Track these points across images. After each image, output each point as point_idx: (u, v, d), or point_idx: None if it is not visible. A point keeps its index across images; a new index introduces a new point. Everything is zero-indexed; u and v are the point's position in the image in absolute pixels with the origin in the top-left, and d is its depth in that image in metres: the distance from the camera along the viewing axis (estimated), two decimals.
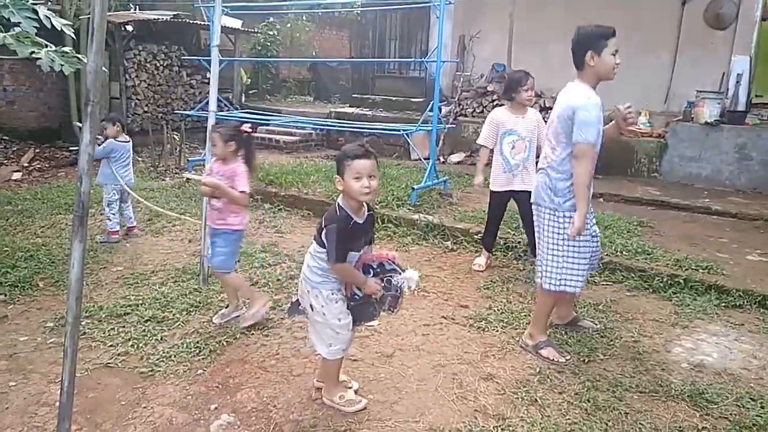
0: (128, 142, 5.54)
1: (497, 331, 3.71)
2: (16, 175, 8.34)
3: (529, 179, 4.47)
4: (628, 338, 3.68)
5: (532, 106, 4.73)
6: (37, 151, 9.68)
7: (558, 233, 3.25)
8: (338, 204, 2.61)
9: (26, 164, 9.02)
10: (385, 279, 2.71)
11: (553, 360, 3.33)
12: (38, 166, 9.07)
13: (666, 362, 3.40)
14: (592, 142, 3.05)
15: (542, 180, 3.32)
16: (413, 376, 3.14)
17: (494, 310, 4.01)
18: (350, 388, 2.95)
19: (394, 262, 2.75)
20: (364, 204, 2.65)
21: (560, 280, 3.27)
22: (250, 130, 3.64)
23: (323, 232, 2.60)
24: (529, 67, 9.32)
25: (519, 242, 5.12)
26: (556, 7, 9.21)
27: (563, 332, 3.69)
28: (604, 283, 4.56)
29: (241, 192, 3.54)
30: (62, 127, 10.80)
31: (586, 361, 3.37)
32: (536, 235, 3.43)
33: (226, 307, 3.84)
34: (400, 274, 2.71)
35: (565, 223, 3.20)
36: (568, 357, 3.36)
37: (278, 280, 4.47)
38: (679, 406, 2.96)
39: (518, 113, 4.61)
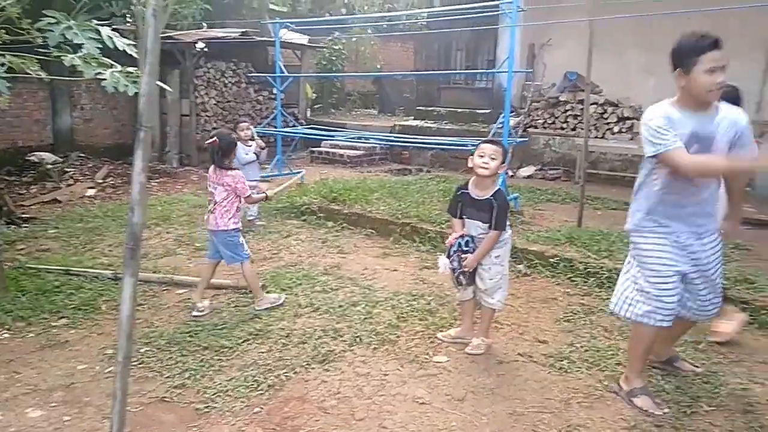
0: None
1: (581, 372, 3.31)
2: (90, 192, 8.59)
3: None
4: (735, 385, 3.20)
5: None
6: (111, 167, 9.97)
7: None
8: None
9: (100, 180, 9.30)
10: None
11: (649, 412, 2.91)
12: (111, 182, 9.34)
13: None
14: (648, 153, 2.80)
15: None
16: (488, 426, 2.80)
17: (577, 347, 3.61)
18: None
19: None
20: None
21: (629, 305, 2.95)
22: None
23: None
24: (603, 75, 8.88)
25: (602, 267, 4.66)
26: (633, 12, 8.67)
27: (659, 377, 3.25)
28: None
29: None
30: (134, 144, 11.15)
31: (688, 413, 2.93)
32: None
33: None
34: None
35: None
36: (666, 410, 2.92)
37: (340, 306, 4.24)
38: None
39: None
